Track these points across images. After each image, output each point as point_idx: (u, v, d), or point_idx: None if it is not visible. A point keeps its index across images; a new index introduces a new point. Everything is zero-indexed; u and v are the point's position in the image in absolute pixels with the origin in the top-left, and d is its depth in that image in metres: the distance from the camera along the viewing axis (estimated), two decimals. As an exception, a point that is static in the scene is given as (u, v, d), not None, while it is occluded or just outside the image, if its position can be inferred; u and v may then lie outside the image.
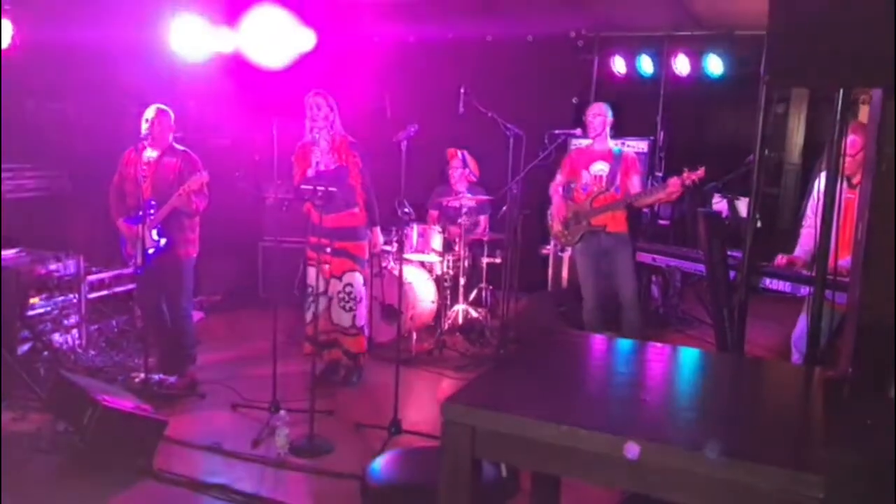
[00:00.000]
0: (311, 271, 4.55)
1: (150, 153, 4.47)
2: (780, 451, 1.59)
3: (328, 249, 4.47)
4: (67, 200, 5.94)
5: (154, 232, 4.40)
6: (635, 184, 4.82)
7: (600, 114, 4.87)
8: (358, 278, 4.60)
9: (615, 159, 4.86)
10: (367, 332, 4.79)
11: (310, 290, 4.53)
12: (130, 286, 5.34)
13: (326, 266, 4.53)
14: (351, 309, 4.57)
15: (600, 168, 4.87)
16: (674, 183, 4.58)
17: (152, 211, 4.37)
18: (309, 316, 4.55)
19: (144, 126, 4.40)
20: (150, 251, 4.39)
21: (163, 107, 4.49)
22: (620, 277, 4.88)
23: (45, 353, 4.57)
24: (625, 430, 1.61)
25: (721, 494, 1.51)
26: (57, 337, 4.73)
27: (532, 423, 1.64)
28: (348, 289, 4.56)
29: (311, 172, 4.47)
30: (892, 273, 2.22)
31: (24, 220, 5.07)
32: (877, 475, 1.70)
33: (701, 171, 4.54)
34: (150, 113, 4.44)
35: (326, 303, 4.58)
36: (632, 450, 1.54)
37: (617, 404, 1.87)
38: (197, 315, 6.15)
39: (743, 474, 1.48)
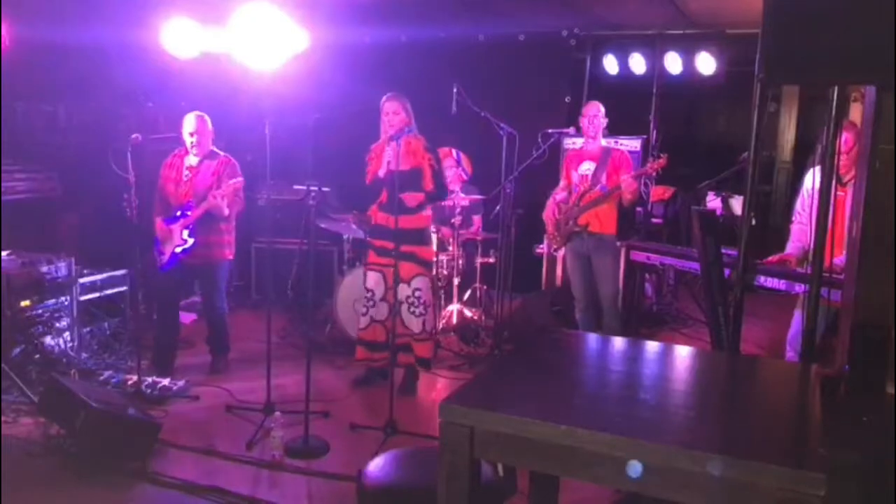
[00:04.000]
0: (372, 275, 4.50)
1: (192, 158, 4.70)
2: (780, 449, 1.59)
3: (395, 253, 4.39)
4: (58, 202, 5.90)
5: (185, 232, 4.58)
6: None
7: (595, 115, 4.83)
8: (426, 283, 4.49)
9: (602, 158, 4.83)
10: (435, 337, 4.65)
11: (369, 294, 4.50)
12: (122, 288, 5.31)
13: (393, 270, 4.45)
14: (421, 314, 4.45)
15: (587, 168, 4.85)
16: (625, 180, 4.60)
17: (189, 212, 4.58)
18: (365, 321, 4.53)
19: (190, 139, 4.62)
20: (178, 250, 4.58)
21: (201, 114, 4.68)
22: (600, 278, 4.85)
23: (37, 356, 4.53)
24: (624, 430, 1.60)
25: (720, 493, 1.50)
26: (49, 340, 4.68)
27: (531, 422, 1.64)
28: (417, 293, 4.44)
29: (381, 173, 4.44)
30: (887, 270, 2.23)
31: (14, 222, 5.03)
32: (875, 472, 1.70)
33: (662, 160, 4.56)
34: (191, 122, 4.64)
35: (388, 308, 4.47)
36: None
37: (615, 403, 1.87)
38: (189, 317, 6.13)
39: (743, 473, 1.47)
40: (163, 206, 4.75)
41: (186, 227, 4.58)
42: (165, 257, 4.63)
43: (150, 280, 5.09)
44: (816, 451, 1.52)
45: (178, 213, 4.60)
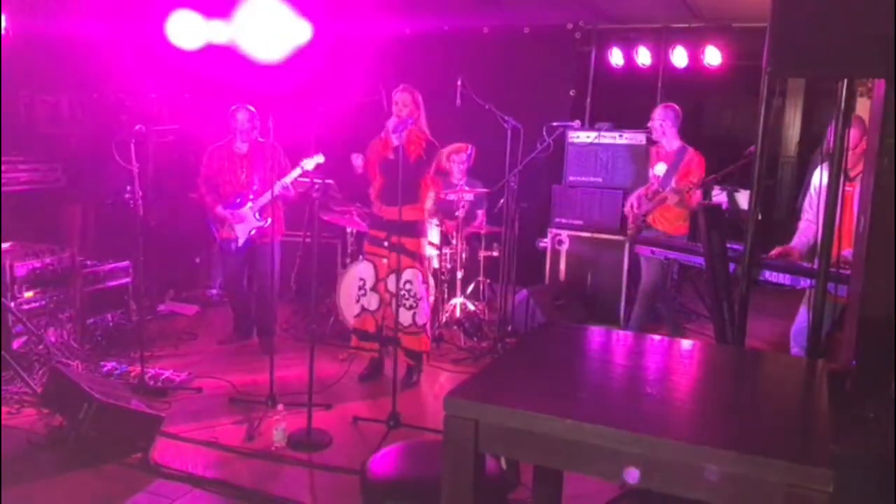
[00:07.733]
0: (365, 265, 4.54)
1: (241, 147, 5.09)
2: (787, 444, 1.58)
3: (385, 243, 4.39)
4: (62, 193, 5.90)
5: (256, 214, 5.03)
6: None
7: (654, 119, 5.08)
8: (417, 275, 4.46)
9: (676, 160, 5.01)
10: (429, 330, 4.63)
11: (361, 283, 4.54)
12: (125, 280, 5.30)
13: (384, 261, 4.43)
14: (411, 307, 4.42)
15: (660, 169, 5.07)
16: (668, 193, 4.92)
17: (251, 196, 5.00)
18: (357, 309, 4.58)
19: (245, 126, 5.03)
20: (252, 231, 5.03)
21: (250, 108, 5.07)
22: (643, 269, 5.13)
23: (40, 347, 4.53)
24: (629, 425, 1.59)
25: (727, 489, 1.49)
26: (52, 331, 4.69)
27: (537, 416, 1.63)
28: (408, 286, 4.40)
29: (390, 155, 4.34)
30: (895, 265, 2.21)
31: (18, 213, 5.03)
32: (882, 468, 1.68)
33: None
34: (242, 114, 5.03)
35: (378, 299, 4.48)
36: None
37: (620, 398, 1.86)
38: (192, 309, 6.13)
39: (750, 468, 1.46)
40: (216, 195, 5.07)
41: (258, 210, 4.99)
42: (242, 239, 5.03)
43: (226, 262, 5.39)
44: (824, 446, 1.51)
45: (238, 200, 5.00)
